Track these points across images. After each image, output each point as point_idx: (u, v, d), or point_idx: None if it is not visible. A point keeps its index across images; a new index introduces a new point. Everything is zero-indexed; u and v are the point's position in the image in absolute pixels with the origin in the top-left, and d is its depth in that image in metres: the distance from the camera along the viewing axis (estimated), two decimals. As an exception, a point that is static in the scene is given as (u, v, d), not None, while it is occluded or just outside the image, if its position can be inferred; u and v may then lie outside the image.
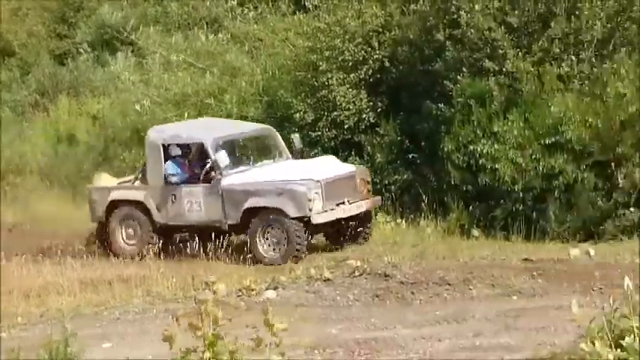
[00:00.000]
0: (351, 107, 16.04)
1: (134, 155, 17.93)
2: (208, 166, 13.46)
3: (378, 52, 16.36)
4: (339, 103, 16.04)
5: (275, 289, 10.50)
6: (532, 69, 14.79)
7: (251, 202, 12.99)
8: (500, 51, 15.01)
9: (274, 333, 4.12)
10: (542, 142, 14.32)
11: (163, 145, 13.78)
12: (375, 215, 14.55)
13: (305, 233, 12.74)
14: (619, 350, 4.80)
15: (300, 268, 11.56)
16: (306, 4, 17.51)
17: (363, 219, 13.62)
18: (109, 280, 11.70)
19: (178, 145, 13.90)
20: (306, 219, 12.71)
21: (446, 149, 14.73)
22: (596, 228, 13.92)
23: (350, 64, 16.29)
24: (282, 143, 14.35)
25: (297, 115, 16.27)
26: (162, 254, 13.03)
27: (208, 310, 3.98)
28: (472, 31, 15.10)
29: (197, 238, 13.30)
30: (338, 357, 7.85)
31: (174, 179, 13.68)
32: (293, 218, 12.63)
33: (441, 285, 10.19)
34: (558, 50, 14.88)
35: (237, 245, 13.53)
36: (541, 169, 14.21)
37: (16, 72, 23.17)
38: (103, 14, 22.54)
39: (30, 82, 22.75)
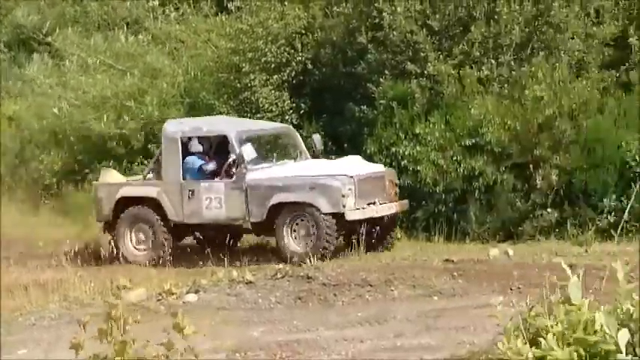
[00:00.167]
0: (273, 109, 16.01)
1: (52, 157, 17.58)
2: (231, 159, 12.68)
3: (301, 53, 16.37)
4: (261, 105, 15.99)
5: (196, 292, 10.37)
6: (453, 72, 14.96)
7: (279, 198, 12.28)
8: (422, 54, 15.15)
9: (185, 337, 4.02)
10: (463, 143, 14.51)
11: (181, 139, 12.98)
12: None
13: (336, 231, 12.14)
14: (534, 348, 4.84)
15: (222, 270, 11.44)
16: (229, 5, 17.42)
17: (388, 224, 12.97)
18: (25, 284, 11.39)
19: (198, 138, 13.07)
20: (337, 216, 12.09)
21: (368, 151, 14.78)
22: (515, 228, 14.15)
23: (273, 65, 16.26)
24: (302, 143, 13.79)
25: (220, 117, 16.14)
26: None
27: (118, 314, 3.86)
28: (394, 33, 15.22)
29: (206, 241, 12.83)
30: (259, 360, 7.78)
31: (209, 167, 12.83)
32: (325, 214, 11.99)
33: (363, 286, 10.19)
34: (478, 54, 15.09)
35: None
36: (461, 170, 14.39)
37: None
38: (18, 17, 21.99)
39: (-56, 83, 22.09)
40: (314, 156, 13.50)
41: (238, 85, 16.38)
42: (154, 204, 12.86)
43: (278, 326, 8.84)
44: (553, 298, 5.24)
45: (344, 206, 12.01)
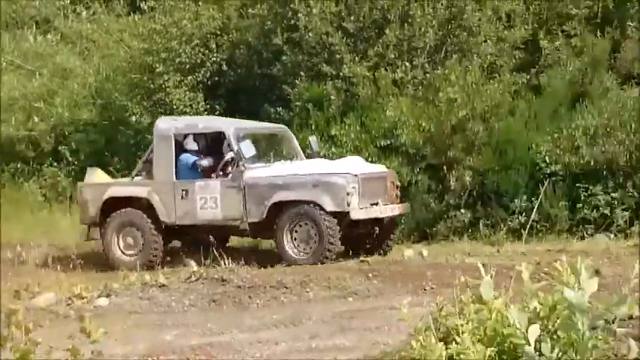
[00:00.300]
0: (188, 110, 15.84)
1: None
2: (228, 156, 12.13)
3: (215, 54, 16.25)
4: (176, 107, 15.81)
5: (107, 296, 10.14)
6: (368, 74, 15.05)
7: (279, 196, 11.64)
8: (338, 56, 15.21)
9: (93, 342, 3.89)
10: (378, 145, 14.59)
11: (175, 136, 12.35)
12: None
13: (339, 232, 11.49)
14: (446, 347, 4.86)
15: (134, 274, 11.23)
16: (142, 5, 17.19)
17: (388, 227, 12.43)
18: None
19: (193, 136, 12.52)
20: (339, 217, 11.52)
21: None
22: (430, 229, 14.29)
23: (187, 66, 16.10)
24: (298, 144, 13.30)
25: (133, 118, 15.91)
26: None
27: (18, 320, 3.70)
28: (310, 35, 15.23)
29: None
30: (172, 364, 7.65)
31: (203, 163, 12.19)
32: (329, 213, 11.39)
33: (278, 288, 10.12)
34: (393, 56, 15.21)
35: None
36: (377, 172, 14.45)
37: None
38: None
39: None
40: (309, 158, 13.04)
41: (152, 85, 16.16)
42: (145, 205, 12.27)
43: (191, 329, 8.70)
44: (464, 297, 5.29)
45: (348, 204, 11.46)
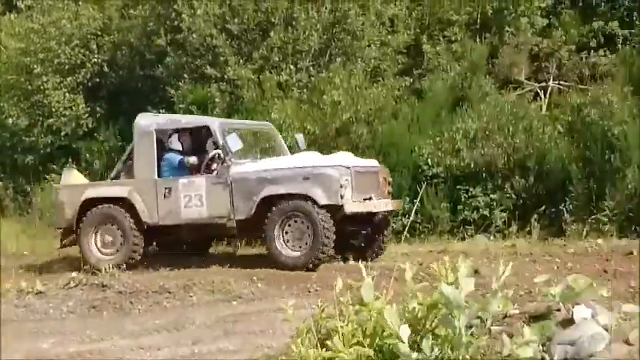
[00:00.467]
0: (67, 113, 15.47)
1: None
2: (213, 153, 11.49)
3: (96, 55, 15.93)
4: (54, 109, 15.41)
5: (-19, 305, 9.77)
6: (253, 76, 15.02)
7: (269, 190, 10.96)
8: (222, 58, 15.12)
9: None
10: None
11: (156, 133, 11.70)
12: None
13: (333, 226, 10.78)
14: (324, 350, 4.86)
15: (9, 281, 10.85)
16: (18, 4, 16.69)
17: (381, 224, 11.82)
18: None
19: (176, 132, 11.87)
20: (332, 211, 10.81)
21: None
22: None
23: (66, 67, 15.73)
24: (283, 142, 12.76)
25: (10, 120, 15.42)
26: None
27: None
28: (194, 36, 15.09)
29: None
30: (48, 372, 7.43)
31: (191, 160, 11.51)
32: (322, 206, 10.68)
33: (161, 293, 9.96)
34: (277, 59, 15.22)
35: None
36: (262, 175, 14.39)
37: None
38: None
39: None
40: None
41: (29, 87, 15.73)
42: (125, 205, 11.64)
43: (70, 337, 8.46)
44: (344, 299, 5.32)
45: (342, 197, 10.80)
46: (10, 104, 15.62)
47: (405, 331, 4.77)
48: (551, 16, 17.75)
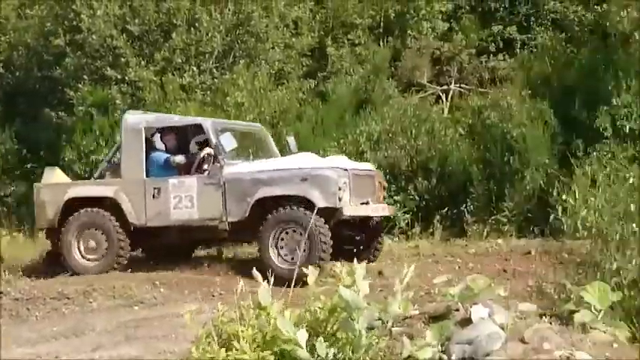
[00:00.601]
0: (-39, 114, 15.02)
1: None
2: (205, 152, 10.94)
3: (-8, 56, 15.48)
4: (-54, 111, 14.93)
5: None
6: (155, 78, 14.81)
7: (264, 192, 10.42)
8: (123, 59, 14.88)
9: None
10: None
11: (145, 130, 11.15)
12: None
13: (329, 230, 10.18)
14: (226, 354, 4.82)
15: None
16: None
17: (375, 229, 11.37)
18: None
19: (166, 130, 11.35)
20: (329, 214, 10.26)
21: (67, 159, 14.20)
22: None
23: (-41, 68, 15.24)
24: (274, 144, 12.23)
25: None
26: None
27: None
28: (93, 37, 14.80)
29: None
30: None
31: (177, 159, 10.97)
32: (319, 210, 9.95)
33: (59, 299, 9.72)
34: (180, 60, 15.05)
35: None
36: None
37: None
38: None
39: None
40: None
41: None
42: (111, 205, 11.09)
43: (-38, 346, 8.18)
44: (244, 303, 5.28)
45: (340, 200, 10.30)
46: None
47: (302, 336, 4.75)
48: (451, 21, 18.05)
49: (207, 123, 11.10)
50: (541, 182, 13.08)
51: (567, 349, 5.29)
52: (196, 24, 15.01)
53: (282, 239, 10.27)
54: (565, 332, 5.64)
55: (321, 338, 4.79)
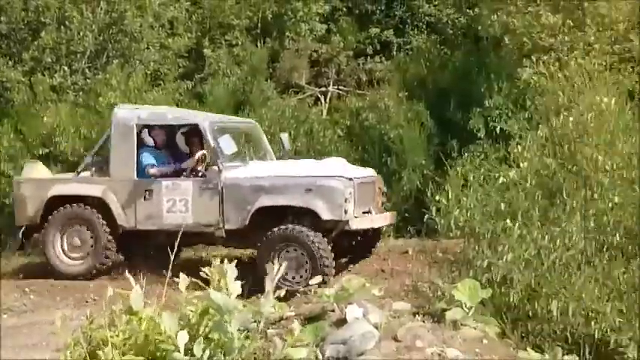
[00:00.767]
0: None
1: None
2: (199, 153, 10.39)
3: None
4: None
5: None
6: (23, 79, 14.39)
7: (265, 201, 9.82)
8: (-10, 58, 14.38)
9: None
10: (36, 153, 13.92)
11: (137, 127, 10.49)
12: None
13: (329, 245, 9.62)
14: (94, 360, 4.68)
15: None
16: None
17: (374, 237, 10.93)
18: None
19: (158, 128, 10.71)
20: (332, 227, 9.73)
21: None
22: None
23: None
24: (267, 142, 11.57)
25: None
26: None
27: None
28: (-43, 36, 14.25)
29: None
30: None
31: (152, 171, 10.43)
32: (321, 225, 9.57)
33: None
34: (50, 60, 14.63)
35: None
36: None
37: None
38: None
39: None
40: (280, 157, 11.45)
41: None
42: (98, 205, 10.46)
43: None
44: (115, 308, 5.16)
45: (346, 212, 9.75)
46: None
47: (182, 338, 4.68)
48: (329, 23, 18.15)
49: (204, 123, 10.45)
50: (418, 183, 13.27)
51: (439, 346, 5.35)
52: (67, 22, 14.60)
53: (283, 257, 9.50)
54: (437, 330, 5.73)
55: (200, 339, 4.71)
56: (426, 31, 17.80)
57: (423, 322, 5.95)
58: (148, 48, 15.65)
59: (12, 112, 14.29)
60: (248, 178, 10.06)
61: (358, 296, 5.96)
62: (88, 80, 14.74)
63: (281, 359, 5.06)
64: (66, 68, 14.59)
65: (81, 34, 14.61)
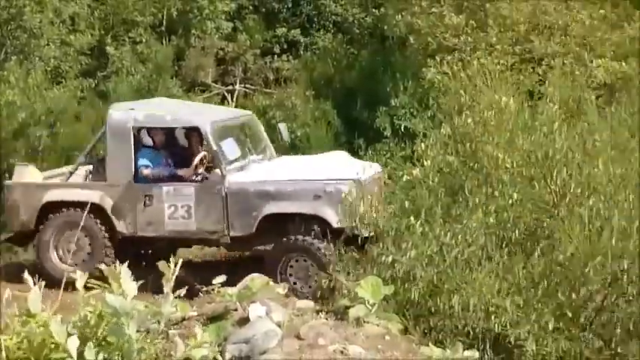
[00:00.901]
0: None
1: None
2: (198, 158, 9.76)
3: None
4: None
5: None
6: None
7: (273, 208, 9.29)
8: None
9: None
10: None
11: (134, 129, 9.87)
12: None
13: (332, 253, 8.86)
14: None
15: None
16: None
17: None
18: None
19: (156, 130, 10.09)
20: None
21: None
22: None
23: None
24: (265, 134, 10.89)
25: None
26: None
27: None
28: None
29: None
30: None
31: (145, 172, 9.82)
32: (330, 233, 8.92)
33: None
34: None
35: None
36: None
37: None
38: None
39: None
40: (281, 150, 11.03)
41: None
42: (95, 210, 9.79)
43: None
44: (10, 311, 5.03)
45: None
46: None
47: (73, 343, 4.55)
48: (235, 21, 18.04)
49: (206, 126, 9.88)
50: (323, 181, 13.29)
51: (341, 343, 5.35)
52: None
53: (292, 266, 9.19)
54: (340, 327, 5.73)
55: (90, 344, 4.59)
56: (332, 31, 17.86)
57: (327, 319, 5.95)
58: (48, 44, 15.26)
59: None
60: (253, 183, 9.62)
61: (261, 295, 5.92)
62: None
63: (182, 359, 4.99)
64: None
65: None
